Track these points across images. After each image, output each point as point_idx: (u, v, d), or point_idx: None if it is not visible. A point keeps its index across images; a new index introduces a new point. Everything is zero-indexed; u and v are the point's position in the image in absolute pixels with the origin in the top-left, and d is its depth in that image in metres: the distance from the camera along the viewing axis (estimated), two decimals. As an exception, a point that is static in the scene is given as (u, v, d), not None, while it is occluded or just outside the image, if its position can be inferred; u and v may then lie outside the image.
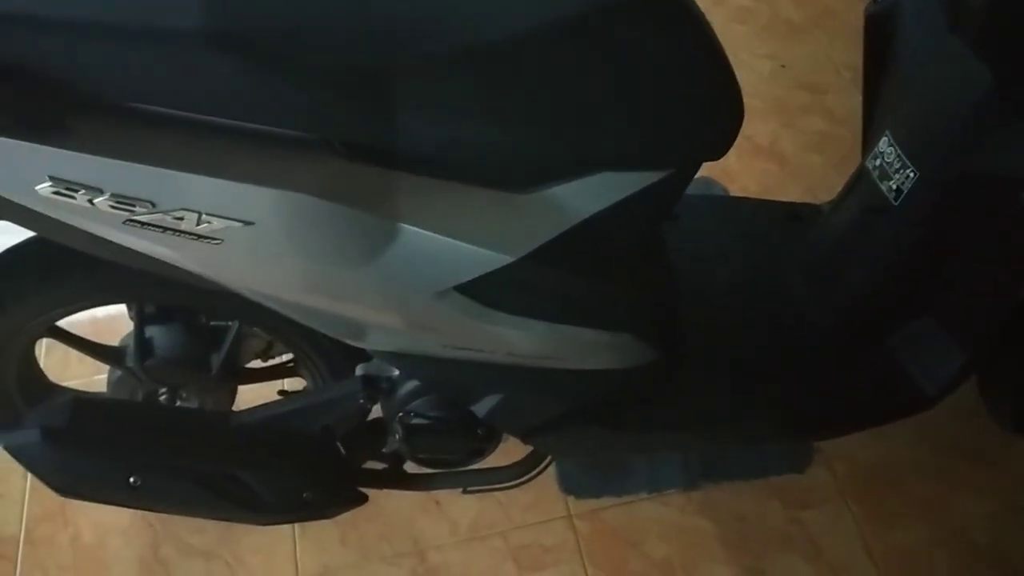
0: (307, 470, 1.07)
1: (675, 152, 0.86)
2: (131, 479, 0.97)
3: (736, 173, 1.86)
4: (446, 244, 0.79)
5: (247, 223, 0.74)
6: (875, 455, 1.47)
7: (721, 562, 1.37)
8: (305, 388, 1.26)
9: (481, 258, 0.81)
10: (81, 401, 1.01)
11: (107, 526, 1.39)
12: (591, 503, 1.41)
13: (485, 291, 0.84)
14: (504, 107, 0.78)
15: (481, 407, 0.97)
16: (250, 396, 1.27)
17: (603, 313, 0.95)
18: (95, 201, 0.72)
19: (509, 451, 1.15)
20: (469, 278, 0.81)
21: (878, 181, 1.10)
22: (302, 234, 0.76)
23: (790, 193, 1.83)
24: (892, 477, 1.46)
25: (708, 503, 1.42)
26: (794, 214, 1.36)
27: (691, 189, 1.89)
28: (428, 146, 0.78)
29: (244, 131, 0.74)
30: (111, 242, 0.77)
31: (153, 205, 0.73)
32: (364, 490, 1.16)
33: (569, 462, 1.42)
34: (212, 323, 1.18)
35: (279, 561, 1.36)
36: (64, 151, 0.69)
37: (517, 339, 0.90)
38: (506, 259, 0.82)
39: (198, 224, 0.74)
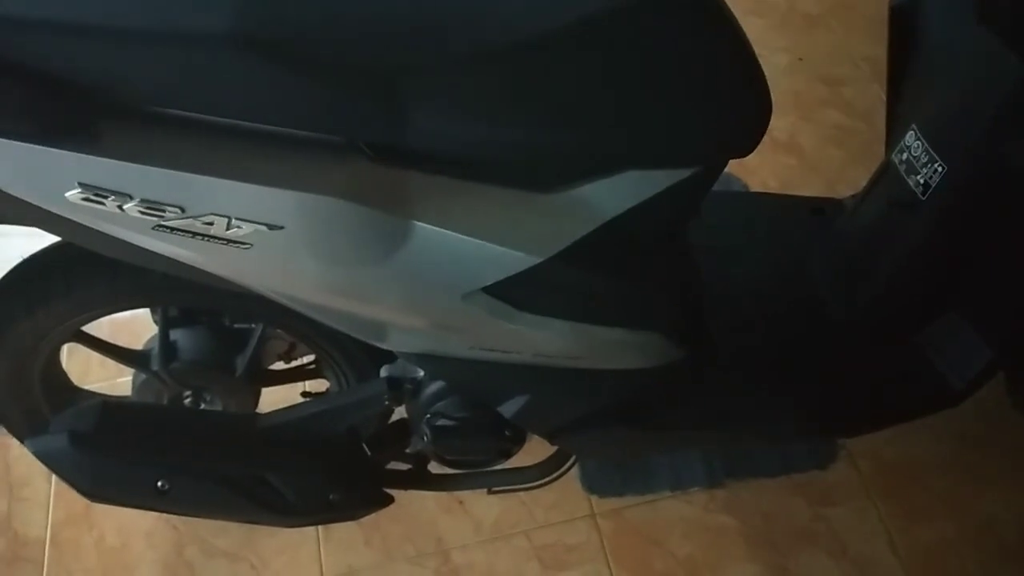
0: (333, 472, 1.07)
1: (702, 149, 0.86)
2: (159, 483, 0.98)
3: (755, 168, 1.84)
4: (473, 245, 0.79)
5: (276, 227, 0.74)
6: (900, 452, 1.46)
7: (745, 560, 1.36)
8: (328, 390, 1.27)
9: (508, 259, 0.80)
10: (109, 405, 1.02)
11: (131, 529, 1.40)
12: (614, 502, 1.41)
13: (512, 292, 0.84)
14: (531, 106, 0.77)
15: (508, 408, 0.97)
16: (272, 398, 1.28)
17: (630, 312, 0.94)
18: (125, 207, 0.72)
19: (532, 450, 1.15)
20: (497, 279, 0.81)
21: (905, 175, 1.09)
22: (330, 237, 0.76)
23: (810, 187, 1.82)
24: (917, 473, 1.45)
25: (732, 501, 1.41)
26: (817, 209, 1.35)
27: (710, 185, 1.87)
28: (454, 147, 0.77)
29: (271, 135, 0.74)
30: (140, 247, 0.77)
31: (183, 210, 0.73)
32: (389, 491, 1.16)
33: (592, 461, 1.41)
34: (236, 325, 1.18)
35: (304, 562, 1.36)
36: (93, 157, 0.69)
37: (544, 340, 0.89)
38: (534, 260, 0.81)
39: (228, 229, 0.74)
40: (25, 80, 0.66)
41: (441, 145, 0.76)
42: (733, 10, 0.83)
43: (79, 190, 0.70)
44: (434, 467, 1.16)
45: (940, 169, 1.03)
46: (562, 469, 1.16)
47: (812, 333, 1.19)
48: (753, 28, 2.14)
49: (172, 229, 0.74)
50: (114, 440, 0.98)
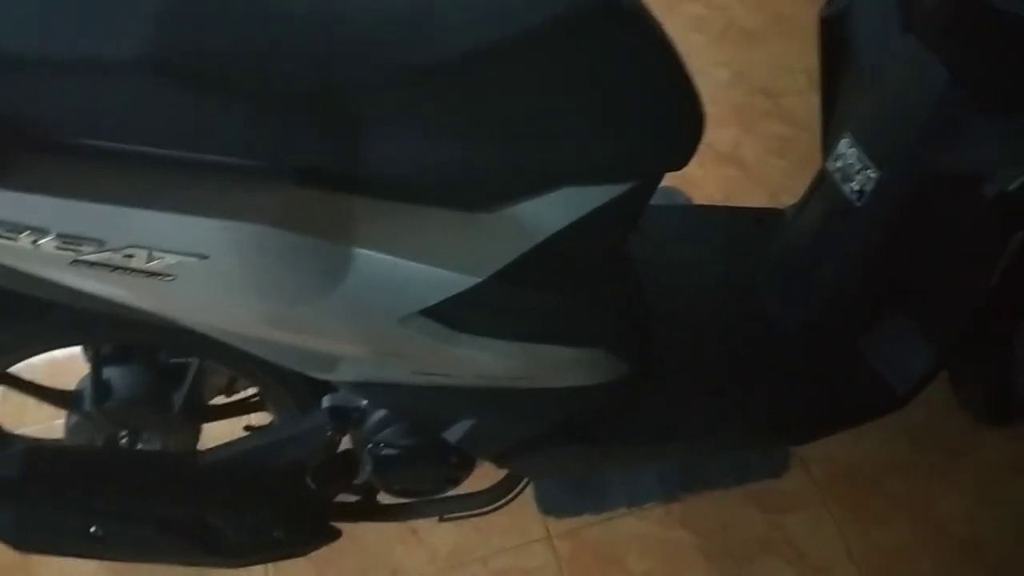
0: (276, 508, 1.03)
1: (638, 164, 0.85)
2: (92, 529, 0.93)
3: (699, 180, 1.86)
4: (409, 268, 0.77)
5: (201, 257, 0.71)
6: (852, 455, 1.47)
7: (703, 573, 1.35)
8: (272, 422, 1.23)
9: (446, 280, 0.79)
10: (35, 450, 0.97)
11: (71, 576, 1.34)
12: (570, 522, 1.39)
13: (452, 314, 0.82)
14: (464, 125, 0.76)
15: (453, 433, 0.95)
16: (216, 433, 1.23)
17: (574, 329, 0.93)
18: (40, 243, 0.68)
19: (485, 474, 1.13)
20: (435, 301, 0.79)
21: (840, 183, 1.10)
22: (259, 266, 0.73)
23: (753, 198, 1.84)
24: (870, 476, 1.46)
25: (688, 514, 1.41)
26: (759, 219, 1.36)
27: (654, 198, 1.89)
28: (386, 168, 0.76)
29: (194, 162, 0.71)
30: (59, 284, 0.74)
31: (101, 244, 0.70)
32: (338, 524, 1.13)
33: (546, 482, 1.40)
34: (172, 360, 1.14)
35: (253, 601, 1.31)
36: (5, 191, 0.66)
37: (487, 361, 0.88)
38: (472, 280, 0.80)
39: (149, 261, 0.71)
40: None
41: (372, 167, 0.75)
42: (672, 27, 0.83)
43: (-12, 227, 0.67)
44: (384, 497, 1.14)
45: (874, 176, 1.05)
46: (514, 492, 1.15)
47: (757, 342, 1.19)
48: (692, 44, 2.18)
49: (91, 264, 0.71)
50: (41, 486, 0.93)
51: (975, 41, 0.92)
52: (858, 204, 1.07)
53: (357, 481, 1.12)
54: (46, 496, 0.93)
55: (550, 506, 1.40)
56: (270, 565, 1.33)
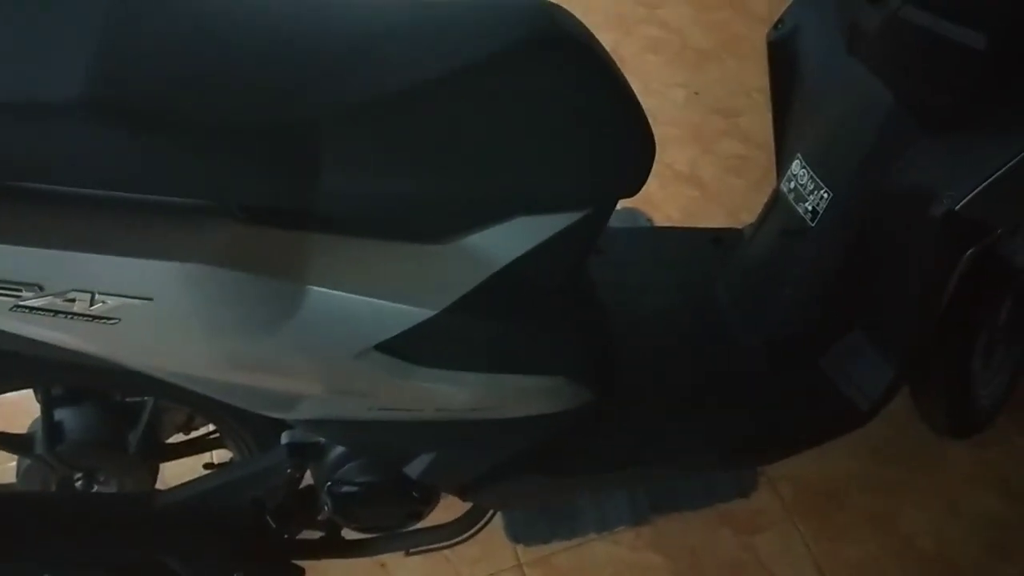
0: (236, 548, 1.01)
1: (590, 192, 0.86)
2: (44, 578, 0.91)
3: (659, 201, 1.87)
4: (361, 303, 0.76)
5: (145, 299, 0.70)
6: (819, 472, 1.48)
7: (675, 597, 1.35)
8: (232, 459, 1.21)
9: (399, 314, 0.78)
10: (-17, 498, 0.94)
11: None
12: (541, 549, 1.37)
13: (408, 347, 0.81)
14: (413, 158, 0.76)
15: (414, 468, 0.93)
16: (179, 471, 1.21)
17: (533, 358, 0.93)
18: (-25, 289, 0.67)
19: (452, 505, 1.12)
20: (389, 336, 0.78)
21: (794, 204, 1.11)
22: (205, 307, 0.72)
23: (713, 217, 1.85)
24: (837, 492, 1.46)
25: (658, 537, 1.40)
26: (717, 239, 1.37)
27: (615, 220, 1.90)
28: (335, 203, 0.75)
29: (136, 203, 0.70)
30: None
31: (41, 288, 0.68)
32: (301, 562, 1.10)
33: (515, 510, 1.38)
34: (127, 400, 1.12)
35: (218, 644, 1.28)
36: None
37: (445, 393, 0.87)
38: (426, 313, 0.79)
39: (92, 305, 0.69)
40: None
41: (320, 202, 0.74)
42: (629, 49, 0.84)
43: (-77, 275, 0.65)
44: (349, 532, 1.12)
45: (826, 196, 1.06)
46: (481, 524, 1.13)
47: (719, 363, 1.20)
48: (649, 65, 2.21)
49: (31, 309, 0.69)
50: (-11, 536, 0.90)
51: (914, 64, 0.93)
52: (812, 224, 1.08)
53: (319, 517, 1.10)
54: (-4, 546, 0.90)
55: (520, 534, 1.39)
56: (234, 606, 1.30)
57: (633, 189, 0.88)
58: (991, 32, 0.82)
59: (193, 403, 1.05)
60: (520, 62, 0.79)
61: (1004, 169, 0.87)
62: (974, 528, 1.42)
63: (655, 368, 1.17)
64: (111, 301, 0.69)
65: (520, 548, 1.38)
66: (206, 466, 1.24)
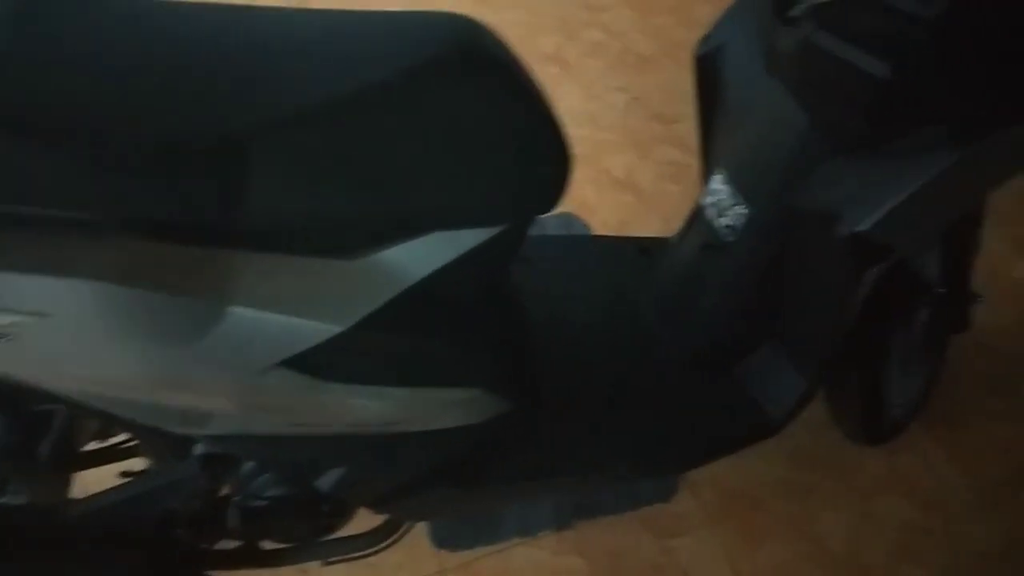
0: (148, 560, 0.99)
1: (506, 208, 0.86)
2: (-61, 596, 0.88)
3: (595, 206, 1.89)
4: (267, 319, 0.76)
5: (40, 316, 0.68)
6: (739, 477, 1.51)
7: (596, 601, 1.37)
8: (149, 468, 1.18)
9: (307, 331, 0.77)
10: None
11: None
12: (464, 555, 1.38)
13: (316, 363, 0.80)
14: (325, 175, 0.75)
15: (324, 482, 0.93)
16: (99, 478, 1.18)
17: (448, 371, 0.93)
18: None
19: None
20: (295, 352, 0.78)
21: (713, 219, 1.13)
22: (106, 324, 0.71)
23: (648, 224, 1.88)
24: (755, 497, 1.50)
25: (581, 541, 1.42)
26: (644, 249, 1.39)
27: (551, 225, 1.90)
28: (242, 218, 0.74)
29: (32, 217, 0.68)
30: None
31: (-73, 304, 0.66)
32: (217, 573, 1.09)
33: (438, 516, 1.39)
34: (38, 408, 1.09)
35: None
36: None
37: (357, 408, 0.87)
38: (335, 329, 0.79)
39: (-17, 321, 0.68)
40: None
41: (224, 217, 0.73)
42: (571, 53, 0.84)
43: None
44: (268, 542, 1.11)
45: (744, 212, 1.08)
46: (400, 532, 1.13)
47: (640, 372, 1.22)
48: (590, 70, 2.22)
49: (-81, 324, 0.67)
50: None
51: (825, 88, 0.96)
52: (730, 239, 1.11)
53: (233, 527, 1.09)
54: None
55: (443, 539, 1.39)
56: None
57: (549, 205, 0.88)
58: (895, 62, 0.85)
59: (102, 414, 1.03)
60: (435, 78, 0.78)
61: (904, 197, 0.90)
62: (884, 531, 1.47)
63: (575, 379, 1.18)
64: (3, 317, 0.68)
65: (443, 554, 1.38)
66: (121, 475, 1.21)
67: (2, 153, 0.64)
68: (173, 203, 0.71)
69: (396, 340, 0.85)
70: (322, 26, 0.81)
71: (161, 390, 0.78)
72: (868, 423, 1.43)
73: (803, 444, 1.55)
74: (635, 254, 1.40)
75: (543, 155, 0.85)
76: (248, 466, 0.97)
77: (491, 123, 0.82)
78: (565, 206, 1.87)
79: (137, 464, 1.24)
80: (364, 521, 1.12)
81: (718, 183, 1.14)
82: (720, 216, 1.13)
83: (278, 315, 0.76)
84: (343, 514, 1.02)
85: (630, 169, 1.99)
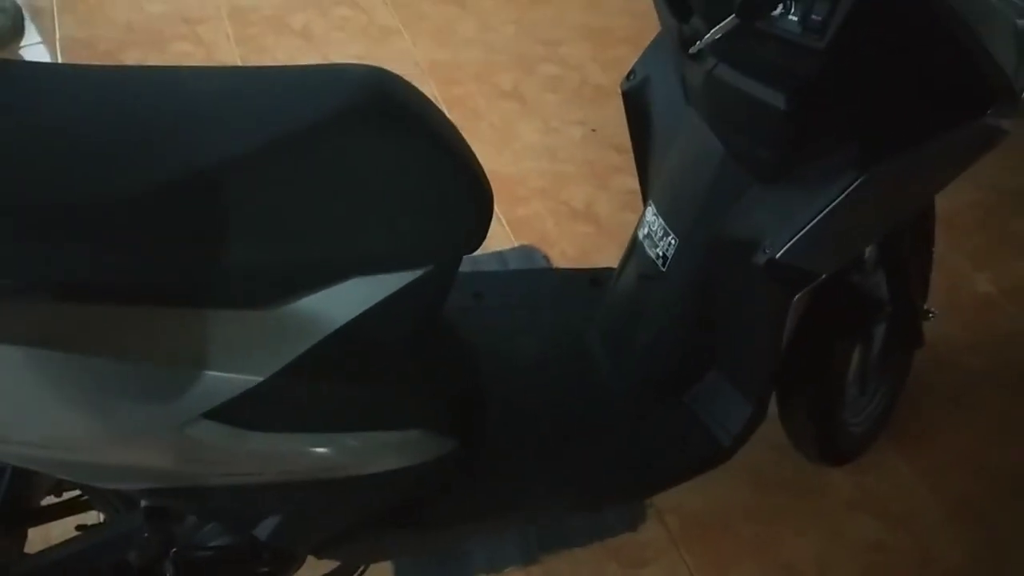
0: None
1: (426, 250, 0.87)
2: None
3: (555, 238, 1.91)
4: (183, 373, 0.77)
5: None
6: (704, 502, 1.51)
7: (564, 634, 1.36)
8: (104, 521, 1.19)
9: (223, 383, 0.78)
10: None
11: None
12: (429, 594, 1.38)
13: (238, 413, 0.81)
14: (237, 227, 0.77)
15: (262, 530, 0.93)
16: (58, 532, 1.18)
17: (382, 414, 0.94)
18: None
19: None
20: (215, 404, 0.79)
21: (648, 249, 1.15)
22: (23, 387, 0.72)
23: (608, 253, 1.89)
24: (721, 521, 1.50)
25: (547, 574, 1.42)
26: (594, 280, 1.40)
27: (511, 258, 1.91)
28: (154, 275, 0.76)
29: None
30: None
31: None
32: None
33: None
34: (-13, 466, 1.10)
35: None
36: None
37: (287, 456, 0.87)
38: (253, 380, 0.80)
39: None
40: None
41: (136, 275, 0.75)
42: (528, 88, 0.86)
43: None
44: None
45: (673, 242, 1.10)
46: (357, 573, 1.13)
47: (588, 404, 1.22)
48: (548, 104, 2.26)
49: None
50: None
51: (732, 119, 0.98)
52: (663, 269, 1.12)
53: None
54: None
55: (408, 578, 1.39)
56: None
57: (472, 246, 0.90)
58: (790, 91, 0.87)
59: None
60: (346, 128, 0.80)
61: (816, 220, 0.92)
62: (854, 552, 1.47)
63: (523, 413, 1.19)
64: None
65: (408, 594, 1.38)
66: (78, 528, 1.22)
67: None
68: (84, 264, 0.73)
69: (322, 387, 0.86)
70: (235, 82, 0.84)
71: (90, 450, 0.79)
72: (823, 444, 1.43)
73: (768, 467, 1.55)
74: (587, 286, 1.41)
75: (460, 197, 0.87)
76: (191, 518, 0.97)
77: (404, 169, 0.83)
78: (526, 239, 1.89)
79: (93, 517, 1.25)
80: (321, 566, 1.13)
81: (650, 214, 1.16)
82: (653, 247, 1.14)
83: (195, 369, 0.77)
84: (285, 562, 1.02)
85: (589, 200, 2.01)
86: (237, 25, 2.48)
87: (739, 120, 0.97)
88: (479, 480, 1.11)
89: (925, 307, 1.44)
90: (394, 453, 0.96)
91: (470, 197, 0.88)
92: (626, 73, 1.22)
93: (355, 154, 0.81)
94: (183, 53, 2.34)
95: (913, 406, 1.66)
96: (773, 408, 1.31)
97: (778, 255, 0.94)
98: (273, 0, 2.57)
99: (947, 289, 1.85)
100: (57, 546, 1.08)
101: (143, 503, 1.00)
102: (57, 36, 2.37)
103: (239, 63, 2.27)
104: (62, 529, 1.18)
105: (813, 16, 0.84)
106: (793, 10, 0.86)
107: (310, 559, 1.10)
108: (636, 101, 1.20)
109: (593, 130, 2.18)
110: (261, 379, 0.80)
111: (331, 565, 1.14)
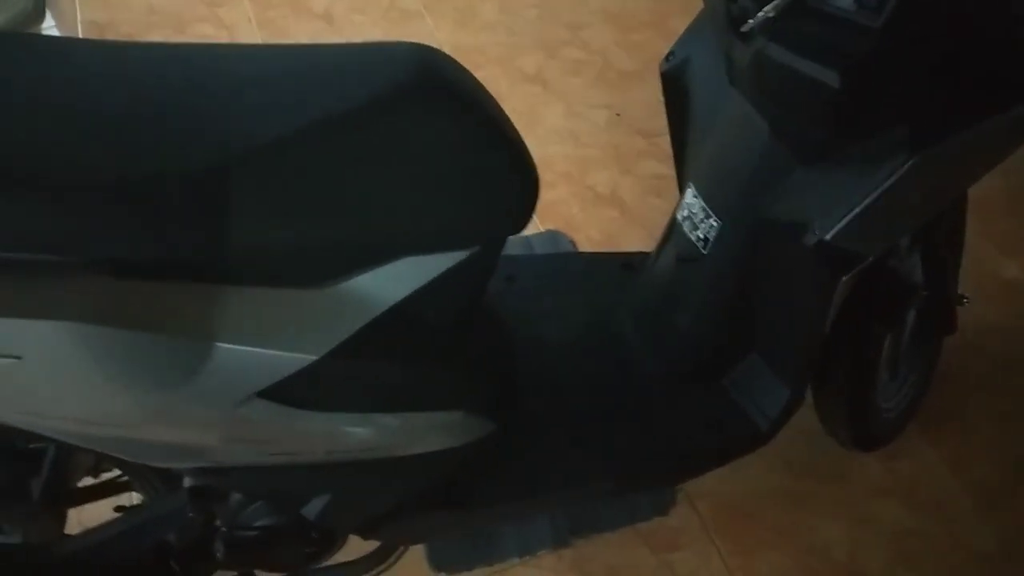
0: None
1: (474, 231, 0.87)
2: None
3: (580, 223, 1.90)
4: (240, 352, 0.77)
5: (13, 358, 0.70)
6: (735, 488, 1.51)
7: (596, 618, 1.36)
8: (143, 502, 1.19)
9: (280, 361, 0.78)
10: None
11: None
12: (462, 576, 1.38)
13: (292, 392, 0.81)
14: (292, 206, 0.77)
15: (311, 510, 0.93)
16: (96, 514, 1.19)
17: (428, 395, 0.94)
18: None
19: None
20: (269, 383, 0.79)
21: (688, 232, 1.14)
22: (77, 364, 0.72)
23: (634, 238, 1.89)
24: (752, 507, 1.50)
25: (580, 559, 1.42)
26: (626, 265, 1.40)
27: (537, 243, 1.91)
28: (211, 253, 0.75)
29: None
30: None
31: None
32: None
33: (435, 538, 1.39)
34: (30, 446, 1.10)
35: None
36: None
37: (336, 436, 0.87)
38: (308, 359, 0.79)
39: (-44, 365, 0.69)
40: None
41: (195, 253, 0.74)
42: (552, 72, 0.85)
43: None
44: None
45: (715, 224, 1.09)
46: (393, 557, 1.13)
47: (623, 387, 1.22)
48: (572, 88, 2.24)
49: None
50: None
51: (782, 99, 0.97)
52: (704, 252, 1.11)
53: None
54: None
55: (441, 562, 1.39)
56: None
57: (518, 226, 0.89)
58: (844, 70, 0.86)
59: (90, 451, 1.04)
60: (398, 106, 0.80)
61: (869, 200, 0.91)
62: (884, 537, 1.47)
63: (558, 396, 1.19)
64: (-24, 361, 0.69)
65: (441, 576, 1.38)
66: (116, 509, 1.22)
67: None
68: (141, 242, 0.73)
69: (372, 366, 0.86)
70: (285, 59, 0.83)
71: (140, 427, 0.79)
72: (857, 429, 1.43)
73: (799, 453, 1.55)
74: (618, 270, 1.40)
75: (508, 177, 0.87)
76: (236, 496, 0.97)
77: (454, 148, 0.83)
78: (551, 223, 1.88)
79: (132, 498, 1.25)
80: (358, 547, 1.13)
81: (690, 196, 1.15)
82: (693, 229, 1.14)
83: (251, 347, 0.77)
84: (331, 541, 1.03)
85: (614, 185, 2.00)
86: (258, 7, 2.47)
87: (788, 100, 0.96)
88: (517, 462, 1.11)
89: (959, 292, 1.43)
90: (438, 434, 0.96)
91: (518, 176, 0.87)
92: (664, 55, 1.21)
93: (406, 133, 0.80)
94: (204, 36, 2.33)
95: (942, 392, 1.65)
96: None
97: (828, 236, 0.93)
98: (293, -17, 2.56)
99: (975, 275, 1.84)
100: (100, 527, 1.08)
101: (186, 483, 1.00)
102: (79, 19, 2.36)
103: (261, 46, 2.25)
104: (96, 511, 1.19)
105: None
106: None
107: (350, 540, 1.10)
108: (675, 82, 1.19)
109: (617, 114, 2.17)
110: (315, 358, 0.79)
111: (371, 547, 1.14)
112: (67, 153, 0.69)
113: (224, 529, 0.95)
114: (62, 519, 1.20)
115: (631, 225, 1.91)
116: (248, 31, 2.38)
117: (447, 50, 0.89)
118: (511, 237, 0.91)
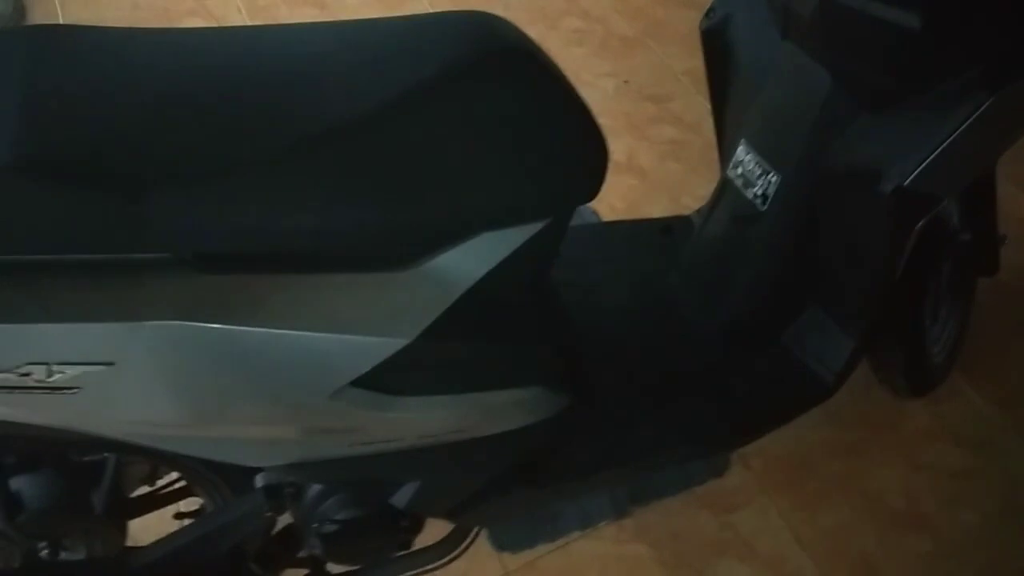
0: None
1: (549, 201, 0.85)
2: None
3: (602, 193, 1.86)
4: (332, 341, 0.74)
5: (107, 365, 0.67)
6: (786, 443, 1.51)
7: (664, 584, 1.36)
8: (203, 507, 1.16)
9: (373, 347, 0.76)
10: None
11: None
12: (526, 554, 1.37)
13: (385, 378, 0.79)
14: (369, 187, 0.74)
15: (400, 498, 0.92)
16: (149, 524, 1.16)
17: (509, 372, 0.92)
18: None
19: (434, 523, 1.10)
20: (365, 370, 0.76)
21: (742, 190, 1.12)
22: (171, 363, 0.69)
23: (656, 204, 1.87)
24: (806, 461, 1.49)
25: (641, 527, 1.41)
26: (666, 229, 1.38)
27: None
28: (294, 241, 0.73)
29: (84, 264, 0.67)
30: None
31: (-8, 365, 0.64)
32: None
33: (497, 520, 1.37)
34: (85, 458, 1.07)
35: None
36: None
37: (426, 420, 0.85)
38: (401, 342, 0.77)
39: (49, 376, 0.66)
40: None
41: (277, 243, 0.72)
42: (554, 43, 0.83)
43: None
44: (334, 565, 1.09)
45: (775, 179, 1.07)
46: (468, 540, 1.12)
47: (684, 352, 1.21)
48: (575, 57, 2.21)
49: (-16, 387, 0.65)
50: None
51: (851, 47, 0.95)
52: (763, 208, 1.10)
53: (302, 553, 1.07)
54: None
55: (504, 542, 1.38)
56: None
57: (591, 194, 0.88)
58: (924, 10, 0.84)
59: (157, 456, 1.01)
60: (468, 78, 0.77)
61: (948, 142, 0.90)
62: (938, 480, 1.47)
63: (619, 366, 1.17)
64: (70, 371, 0.66)
65: (505, 556, 1.37)
66: (176, 516, 1.19)
67: (46, 204, 0.63)
68: (224, 234, 0.70)
69: (459, 347, 0.84)
70: (345, 36, 0.80)
71: (227, 424, 0.77)
72: (912, 375, 1.43)
73: (844, 404, 1.54)
74: (657, 235, 1.39)
75: (580, 144, 0.85)
76: (313, 491, 0.95)
77: (526, 117, 0.81)
78: (573, 196, 1.85)
79: (190, 504, 1.22)
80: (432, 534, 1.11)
81: (743, 154, 1.13)
82: (749, 186, 1.12)
83: (344, 335, 0.74)
84: (419, 528, 1.01)
85: (630, 152, 1.98)
86: (245, -3, 2.41)
87: (856, 47, 0.94)
88: (592, 436, 1.09)
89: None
90: (519, 411, 0.95)
91: (589, 145, 0.85)
92: (704, 11, 1.18)
93: (477, 103, 0.78)
94: (194, 30, 2.27)
95: (979, 333, 1.65)
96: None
97: (907, 182, 0.91)
98: (279, -30, 2.49)
99: (1001, 216, 1.85)
100: (172, 535, 1.05)
101: (260, 482, 0.98)
102: (60, 18, 2.28)
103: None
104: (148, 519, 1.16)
105: None
106: None
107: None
108: (716, 40, 1.17)
109: (626, 81, 2.14)
110: (408, 341, 0.77)
111: (446, 529, 1.13)
112: (149, 147, 0.66)
113: (315, 525, 0.93)
114: (124, 531, 1.17)
115: (653, 191, 1.89)
116: (239, 22, 2.32)
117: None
118: None
